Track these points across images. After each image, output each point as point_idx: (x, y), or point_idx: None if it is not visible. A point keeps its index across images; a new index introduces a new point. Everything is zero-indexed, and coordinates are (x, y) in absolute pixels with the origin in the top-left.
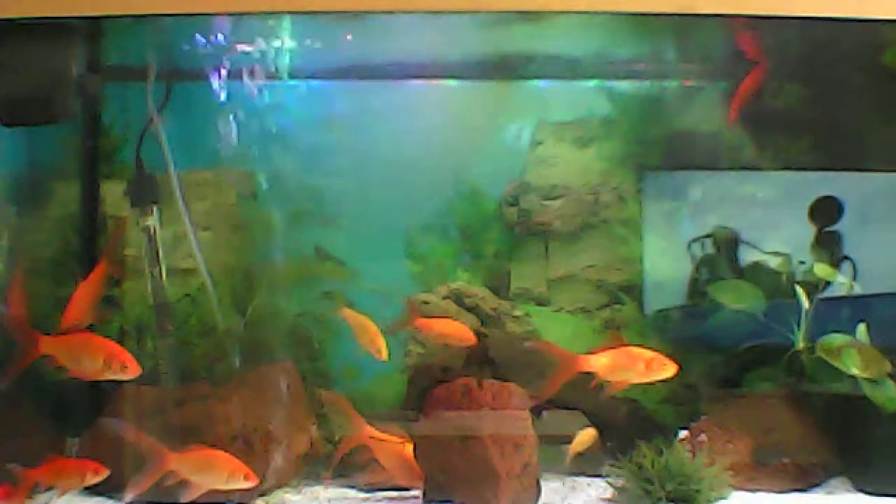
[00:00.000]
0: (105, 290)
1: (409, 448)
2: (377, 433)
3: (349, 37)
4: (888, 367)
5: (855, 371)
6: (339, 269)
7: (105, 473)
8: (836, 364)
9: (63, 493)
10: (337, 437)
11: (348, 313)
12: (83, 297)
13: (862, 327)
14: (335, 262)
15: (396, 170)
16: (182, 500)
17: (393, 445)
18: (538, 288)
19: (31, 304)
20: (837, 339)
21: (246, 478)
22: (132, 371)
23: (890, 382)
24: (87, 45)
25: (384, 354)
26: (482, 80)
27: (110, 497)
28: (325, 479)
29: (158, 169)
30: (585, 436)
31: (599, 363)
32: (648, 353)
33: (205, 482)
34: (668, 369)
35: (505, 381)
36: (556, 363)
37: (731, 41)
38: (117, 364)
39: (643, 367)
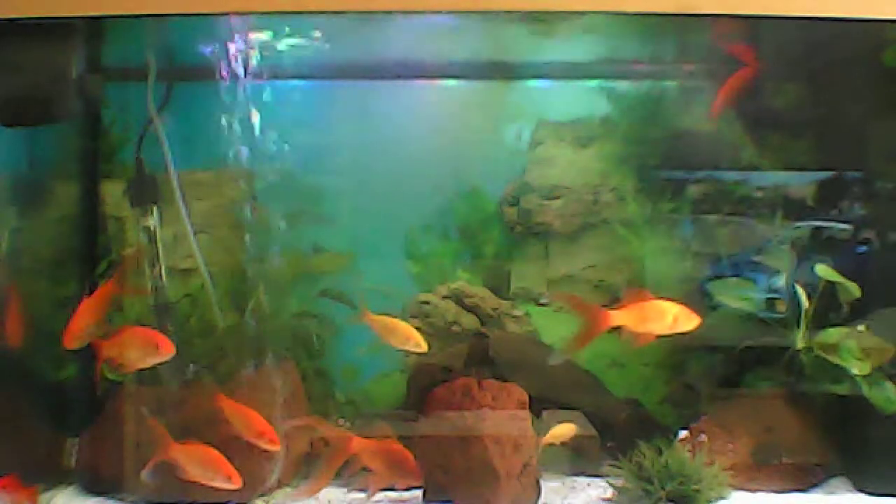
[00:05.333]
0: (110, 307)
1: (401, 447)
2: (362, 441)
3: (348, 37)
4: (891, 353)
5: (855, 364)
6: (339, 258)
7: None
8: (835, 360)
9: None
10: None
11: (372, 318)
12: (88, 311)
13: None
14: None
15: (396, 170)
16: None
17: (383, 447)
18: (538, 288)
19: (31, 305)
20: (834, 333)
21: (230, 479)
22: (165, 350)
23: (889, 384)
24: (87, 45)
25: (424, 346)
26: (482, 80)
27: (110, 497)
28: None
29: (158, 169)
30: (562, 429)
31: (628, 317)
32: (675, 307)
33: (197, 475)
34: (693, 321)
35: (505, 381)
36: (584, 319)
37: (719, 42)
38: (151, 347)
39: (670, 319)
